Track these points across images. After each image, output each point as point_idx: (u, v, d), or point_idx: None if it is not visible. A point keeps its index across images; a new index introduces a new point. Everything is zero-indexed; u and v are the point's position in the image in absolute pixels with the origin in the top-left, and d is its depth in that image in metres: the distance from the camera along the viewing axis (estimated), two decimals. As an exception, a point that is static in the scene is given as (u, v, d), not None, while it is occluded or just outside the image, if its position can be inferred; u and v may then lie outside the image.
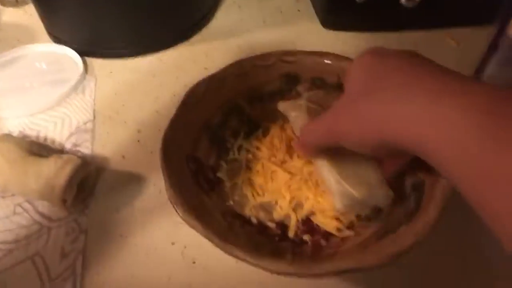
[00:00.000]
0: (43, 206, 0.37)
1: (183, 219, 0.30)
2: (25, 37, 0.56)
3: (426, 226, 0.29)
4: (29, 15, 0.60)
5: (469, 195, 0.21)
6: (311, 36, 0.53)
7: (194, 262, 0.34)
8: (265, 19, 0.56)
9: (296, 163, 0.38)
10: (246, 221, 0.36)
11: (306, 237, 0.34)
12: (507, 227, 0.19)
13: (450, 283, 0.33)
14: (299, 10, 0.57)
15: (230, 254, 0.28)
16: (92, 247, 0.35)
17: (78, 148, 0.42)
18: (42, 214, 0.37)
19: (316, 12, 0.55)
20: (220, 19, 0.57)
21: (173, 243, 0.35)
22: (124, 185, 0.39)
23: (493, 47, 0.36)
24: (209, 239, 0.29)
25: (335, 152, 0.33)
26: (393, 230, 0.31)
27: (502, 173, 0.19)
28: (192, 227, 0.30)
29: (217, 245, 0.29)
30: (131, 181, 0.40)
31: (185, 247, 0.35)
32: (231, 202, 0.37)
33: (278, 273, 0.28)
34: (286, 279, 0.32)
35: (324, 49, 0.40)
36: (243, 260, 0.28)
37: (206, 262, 0.34)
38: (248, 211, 0.36)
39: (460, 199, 0.22)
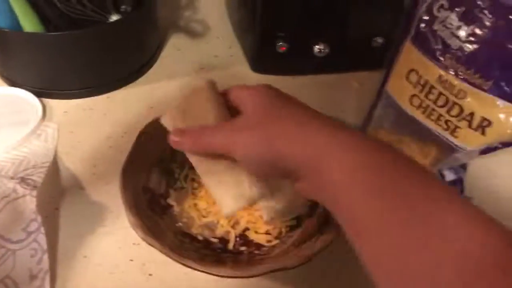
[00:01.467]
0: (4, 229, 0.41)
1: (143, 239, 0.37)
2: (-24, 79, 0.59)
3: (332, 235, 0.38)
4: (-22, 57, 0.63)
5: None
6: (242, 79, 0.62)
7: (150, 275, 0.41)
8: (201, 63, 0.65)
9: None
10: (193, 238, 0.43)
11: (243, 248, 0.42)
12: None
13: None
14: (231, 56, 0.67)
15: (184, 264, 0.36)
16: (58, 268, 0.41)
17: (30, 177, 0.45)
18: (3, 238, 0.40)
19: (247, 58, 0.65)
20: (163, 62, 0.65)
21: (131, 260, 0.42)
22: (85, 213, 0.45)
23: (379, 93, 0.47)
24: (166, 254, 0.36)
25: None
26: (309, 238, 0.40)
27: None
28: (151, 245, 0.37)
29: (172, 259, 0.36)
30: (92, 209, 0.45)
31: (143, 264, 0.42)
32: (180, 224, 0.44)
33: (223, 276, 0.36)
34: (225, 284, 0.41)
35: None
36: (195, 268, 0.35)
37: (161, 274, 0.41)
38: (195, 230, 0.44)
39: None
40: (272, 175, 0.33)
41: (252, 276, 0.36)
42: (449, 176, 0.44)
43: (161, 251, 0.36)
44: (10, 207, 0.42)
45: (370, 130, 0.47)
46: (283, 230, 0.44)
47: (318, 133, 0.29)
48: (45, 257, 0.40)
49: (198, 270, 0.35)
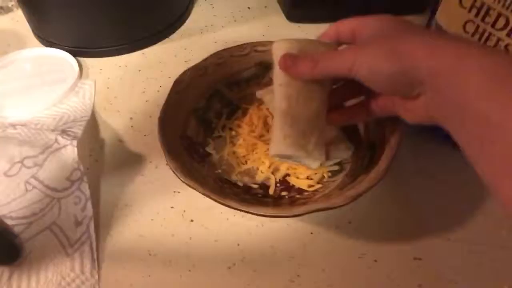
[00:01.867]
0: (49, 179, 0.42)
1: (184, 181, 0.36)
2: (15, 42, 0.60)
3: (377, 175, 0.36)
4: (15, 21, 0.64)
5: (465, 145, 0.26)
6: (277, 29, 0.60)
7: (192, 221, 0.41)
8: (235, 15, 0.62)
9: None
10: (233, 184, 0.42)
11: (284, 193, 0.41)
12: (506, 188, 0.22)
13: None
14: (266, 7, 0.64)
15: (226, 205, 0.35)
16: (102, 215, 0.41)
17: (70, 129, 0.45)
18: (48, 187, 0.41)
19: (281, 8, 0.62)
20: (195, 17, 0.63)
21: (172, 207, 0.42)
22: (124, 164, 0.45)
23: (427, 27, 0.43)
24: (207, 196, 0.35)
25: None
26: (352, 181, 0.38)
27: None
28: (192, 187, 0.36)
29: (214, 200, 0.35)
30: (130, 160, 0.45)
31: (184, 210, 0.41)
32: (219, 171, 0.43)
33: (265, 216, 0.34)
34: (266, 229, 0.40)
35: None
36: (236, 208, 0.34)
37: (203, 220, 0.40)
38: (234, 177, 0.43)
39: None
40: (395, 91, 0.31)
41: (294, 216, 0.34)
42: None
43: (203, 193, 0.35)
44: (53, 158, 0.42)
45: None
46: (325, 175, 0.42)
47: (448, 44, 0.27)
48: (89, 204, 0.40)
49: (240, 210, 0.34)
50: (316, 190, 0.41)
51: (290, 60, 0.34)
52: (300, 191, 0.41)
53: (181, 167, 0.37)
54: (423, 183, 0.43)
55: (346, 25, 0.34)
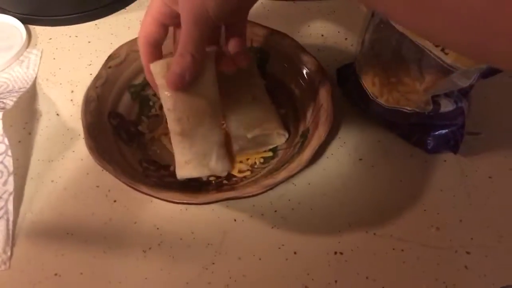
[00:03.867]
0: None
1: (97, 163, 0.35)
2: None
3: (298, 166, 0.34)
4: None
5: None
6: None
7: (115, 201, 0.40)
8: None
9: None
10: (161, 166, 0.41)
11: (212, 178, 0.40)
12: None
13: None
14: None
15: (136, 189, 0.34)
16: (26, 190, 0.40)
17: (1, 100, 0.44)
18: None
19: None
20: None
21: (97, 186, 0.41)
22: (57, 138, 0.44)
23: (372, 14, 0.40)
24: (116, 177, 0.34)
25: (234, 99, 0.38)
26: (277, 168, 0.37)
27: None
28: (103, 168, 0.35)
29: (122, 181, 0.34)
30: (64, 135, 0.44)
31: (109, 190, 0.40)
32: (150, 152, 0.42)
33: (172, 202, 0.33)
34: (190, 213, 0.39)
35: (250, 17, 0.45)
36: (143, 192, 0.33)
37: (125, 201, 0.39)
38: (166, 158, 0.41)
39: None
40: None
41: (203, 203, 0.33)
42: (447, 105, 0.38)
43: (114, 176, 0.34)
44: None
45: (360, 56, 0.41)
46: (257, 161, 0.41)
47: None
48: (11, 179, 0.39)
49: (147, 195, 0.33)
50: (245, 176, 0.39)
51: (178, 79, 0.32)
52: (229, 176, 0.40)
53: (96, 147, 0.36)
54: (362, 172, 0.41)
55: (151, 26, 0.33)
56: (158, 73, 0.33)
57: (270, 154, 0.41)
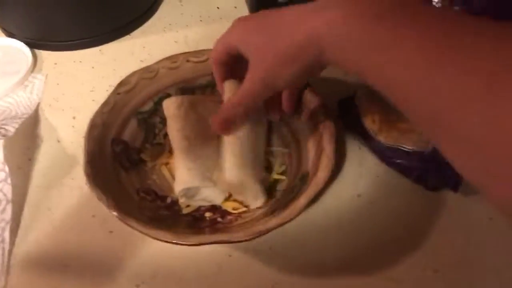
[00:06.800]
0: None
1: (90, 189, 0.35)
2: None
3: (292, 212, 0.34)
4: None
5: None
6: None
7: (111, 232, 0.40)
8: (202, 15, 0.60)
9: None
10: (158, 197, 0.41)
11: (208, 214, 0.40)
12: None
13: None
14: (235, 7, 0.62)
15: (125, 223, 0.34)
16: (23, 218, 0.40)
17: (4, 127, 0.44)
18: None
19: (248, 9, 0.60)
20: (162, 14, 0.61)
21: (93, 216, 0.41)
22: (57, 165, 0.44)
23: None
24: (108, 208, 0.34)
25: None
26: (273, 211, 0.36)
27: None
28: (99, 199, 0.35)
29: (116, 216, 0.34)
30: (64, 162, 0.44)
31: (105, 220, 0.40)
32: (149, 181, 0.42)
33: (160, 240, 0.33)
34: (181, 247, 0.38)
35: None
36: (134, 228, 0.33)
37: (121, 232, 0.39)
38: (166, 189, 0.41)
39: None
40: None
41: (191, 245, 0.33)
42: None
43: (105, 205, 0.34)
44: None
45: (361, 93, 0.41)
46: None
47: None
48: (9, 207, 0.40)
49: (137, 230, 0.33)
50: (239, 215, 0.39)
51: (223, 123, 0.35)
52: (225, 213, 0.39)
53: (94, 174, 0.36)
54: (360, 209, 0.41)
55: (222, 54, 0.36)
56: (169, 106, 0.40)
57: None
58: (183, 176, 0.37)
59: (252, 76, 0.32)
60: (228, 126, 0.35)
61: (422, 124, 0.23)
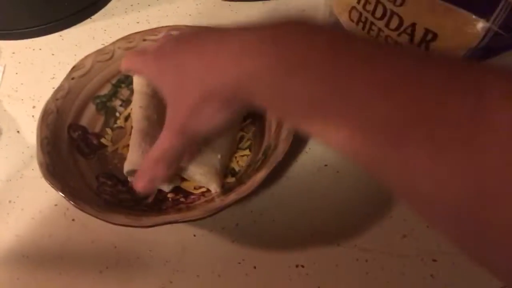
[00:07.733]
0: None
1: (44, 178, 0.34)
2: None
3: (250, 187, 0.33)
4: None
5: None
6: (207, 8, 0.56)
7: (73, 220, 0.39)
8: (164, -7, 0.58)
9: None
10: (120, 181, 0.40)
11: (169, 195, 0.39)
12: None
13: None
14: (199, -17, 0.60)
15: (79, 208, 0.33)
16: (-18, 213, 0.39)
17: None
18: None
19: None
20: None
21: (56, 205, 0.40)
22: (16, 156, 0.43)
23: (330, 14, 0.39)
24: (63, 196, 0.33)
25: None
26: (234, 187, 0.35)
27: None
28: (52, 186, 0.34)
29: (69, 201, 0.33)
30: (24, 152, 0.43)
31: (67, 208, 0.39)
32: (111, 166, 0.41)
33: (118, 225, 0.32)
34: (150, 232, 0.37)
35: (218, 20, 0.43)
36: (89, 213, 0.32)
37: (83, 219, 0.38)
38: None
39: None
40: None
41: (146, 227, 0.32)
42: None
43: (59, 191, 0.33)
44: None
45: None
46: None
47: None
48: (-34, 201, 0.39)
49: (88, 214, 0.32)
50: (202, 194, 0.38)
51: (148, 185, 0.33)
52: (188, 193, 0.39)
53: (47, 163, 0.35)
54: (326, 179, 0.40)
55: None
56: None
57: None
58: (134, 157, 0.36)
59: (169, 126, 0.30)
60: (153, 185, 0.33)
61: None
